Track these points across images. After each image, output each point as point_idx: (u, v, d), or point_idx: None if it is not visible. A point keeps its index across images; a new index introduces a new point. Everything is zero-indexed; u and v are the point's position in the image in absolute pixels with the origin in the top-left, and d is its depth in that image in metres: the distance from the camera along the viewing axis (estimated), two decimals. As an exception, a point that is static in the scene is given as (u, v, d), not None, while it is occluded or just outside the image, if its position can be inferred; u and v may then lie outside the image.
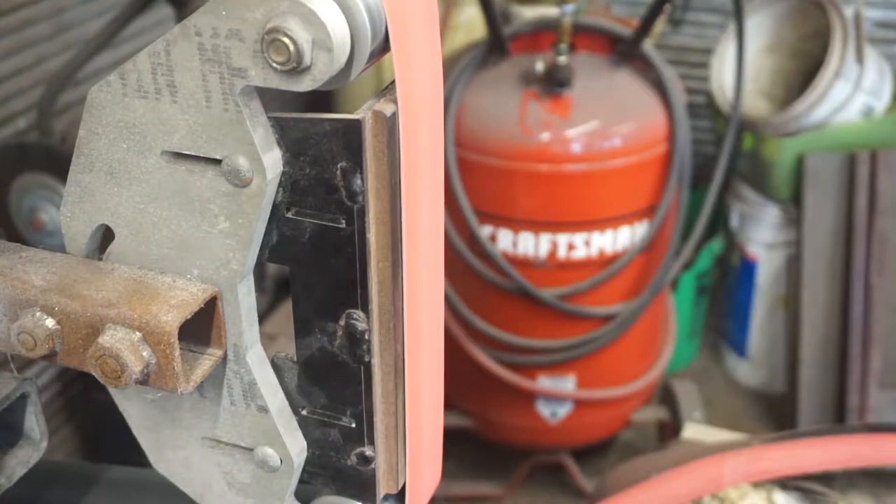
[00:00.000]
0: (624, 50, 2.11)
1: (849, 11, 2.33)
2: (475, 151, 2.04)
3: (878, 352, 2.30)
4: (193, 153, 0.61)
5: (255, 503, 0.73)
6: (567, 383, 2.19)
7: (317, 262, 0.64)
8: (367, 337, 0.66)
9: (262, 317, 0.68)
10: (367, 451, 0.70)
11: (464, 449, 2.38)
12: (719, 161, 2.22)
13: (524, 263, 2.06)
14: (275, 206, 0.63)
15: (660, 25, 2.67)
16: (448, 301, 2.09)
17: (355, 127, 0.60)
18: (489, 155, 2.03)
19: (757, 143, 2.41)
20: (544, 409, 2.23)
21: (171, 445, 0.73)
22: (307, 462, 0.72)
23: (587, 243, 2.05)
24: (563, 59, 1.99)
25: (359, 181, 0.61)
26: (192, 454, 0.73)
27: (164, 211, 0.63)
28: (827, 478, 1.08)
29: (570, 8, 2.00)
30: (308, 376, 0.69)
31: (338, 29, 0.54)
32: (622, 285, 2.13)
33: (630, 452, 2.43)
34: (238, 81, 0.57)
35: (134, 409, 0.73)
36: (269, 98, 0.61)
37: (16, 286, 0.63)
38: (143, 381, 0.61)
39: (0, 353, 0.68)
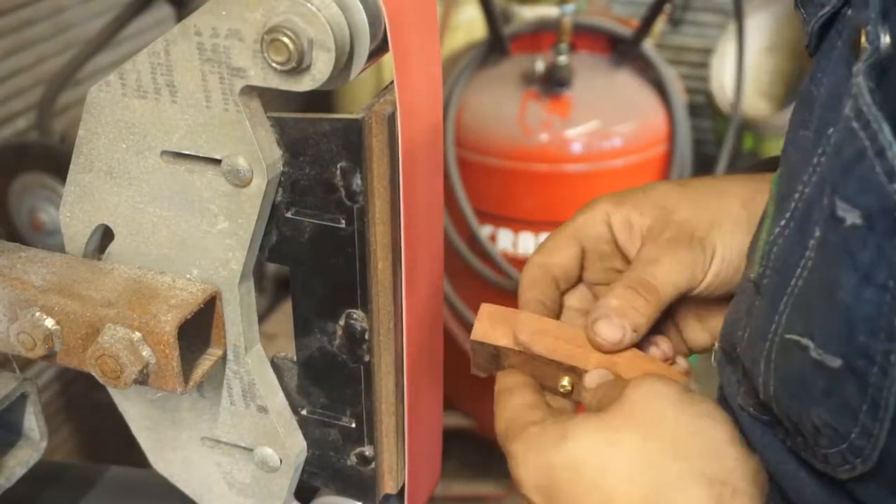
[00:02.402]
0: (624, 50, 2.11)
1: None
2: (475, 151, 2.04)
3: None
4: (193, 153, 0.61)
5: (254, 503, 0.73)
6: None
7: (316, 262, 0.64)
8: (366, 337, 0.66)
9: (262, 317, 0.67)
10: (367, 451, 0.70)
11: (464, 449, 2.38)
12: (719, 161, 2.22)
13: (524, 263, 2.06)
14: (274, 206, 0.63)
15: (660, 25, 2.67)
16: (448, 301, 2.09)
17: (355, 127, 0.59)
18: (489, 155, 2.03)
19: (757, 143, 2.41)
20: (544, 409, 2.23)
21: (170, 445, 0.73)
22: (307, 462, 0.72)
23: (587, 243, 2.05)
24: (563, 59, 1.99)
25: (358, 181, 0.61)
26: (191, 454, 0.73)
27: (164, 211, 0.63)
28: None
29: (570, 8, 2.00)
30: (308, 376, 0.69)
31: (337, 29, 0.54)
32: (622, 285, 2.13)
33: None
34: (238, 81, 0.57)
35: (133, 410, 0.73)
36: (269, 98, 0.61)
37: (15, 286, 0.63)
38: (143, 381, 0.61)
39: (0, 353, 0.68)
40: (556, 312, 0.69)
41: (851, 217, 0.44)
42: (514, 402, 0.61)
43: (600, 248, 0.69)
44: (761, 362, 0.53)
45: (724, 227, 0.65)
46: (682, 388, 0.57)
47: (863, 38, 0.47)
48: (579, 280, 0.71)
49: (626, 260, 0.68)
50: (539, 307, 0.67)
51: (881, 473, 0.47)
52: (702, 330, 0.70)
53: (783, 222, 0.53)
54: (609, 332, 0.62)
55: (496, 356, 0.66)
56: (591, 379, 0.62)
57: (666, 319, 0.69)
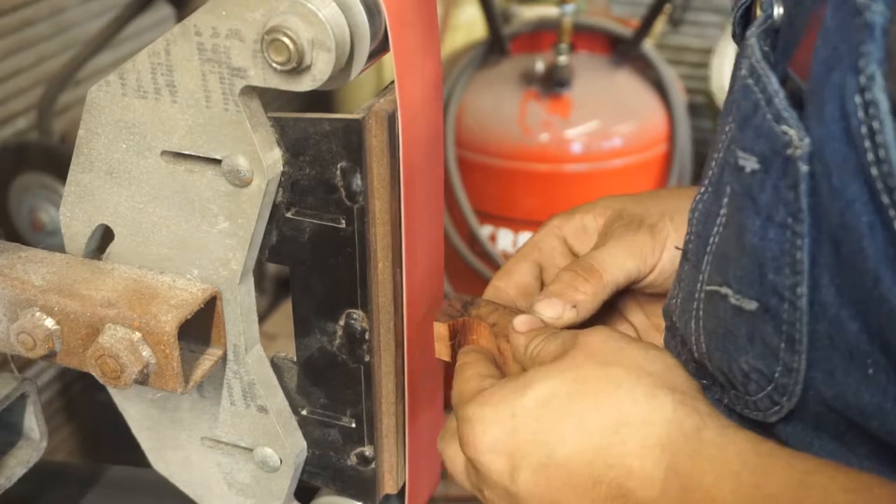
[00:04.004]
0: (624, 50, 2.11)
1: None
2: (475, 151, 2.04)
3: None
4: (193, 153, 0.61)
5: (254, 503, 0.73)
6: (567, 383, 2.18)
7: (316, 262, 0.64)
8: (366, 337, 0.66)
9: (262, 317, 0.68)
10: (367, 451, 0.70)
11: (464, 449, 2.37)
12: (719, 161, 2.21)
13: (524, 263, 2.05)
14: (274, 206, 0.63)
15: (660, 25, 2.67)
16: (448, 301, 2.09)
17: (355, 127, 0.59)
18: (489, 155, 2.03)
19: (757, 143, 2.41)
20: (544, 409, 2.22)
21: (170, 445, 0.73)
22: (307, 462, 0.72)
23: (587, 243, 2.05)
24: (563, 59, 1.99)
25: (358, 181, 0.61)
26: (191, 454, 0.73)
27: (164, 211, 0.63)
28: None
29: (570, 8, 2.00)
30: (308, 376, 0.69)
31: (337, 29, 0.54)
32: (622, 285, 2.13)
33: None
34: (238, 81, 0.57)
35: (134, 410, 0.73)
36: (269, 98, 0.61)
37: (15, 286, 0.63)
38: (143, 381, 0.61)
39: (0, 353, 0.68)
40: None
41: (750, 164, 0.47)
42: (468, 371, 0.62)
43: (555, 260, 0.71)
44: (692, 322, 0.56)
45: (676, 217, 0.67)
46: (628, 335, 0.60)
47: (757, 9, 0.52)
48: None
49: None
50: None
51: (805, 408, 0.49)
52: (659, 334, 0.70)
53: (702, 189, 0.56)
54: (548, 310, 0.64)
55: (468, 304, 0.68)
56: (521, 322, 0.63)
57: (625, 324, 0.72)
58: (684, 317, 0.57)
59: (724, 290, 0.51)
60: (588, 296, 0.65)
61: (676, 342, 0.60)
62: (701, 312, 0.55)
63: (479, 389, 0.58)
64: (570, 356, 0.56)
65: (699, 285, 0.55)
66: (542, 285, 0.71)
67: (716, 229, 0.53)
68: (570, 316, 0.64)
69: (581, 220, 0.71)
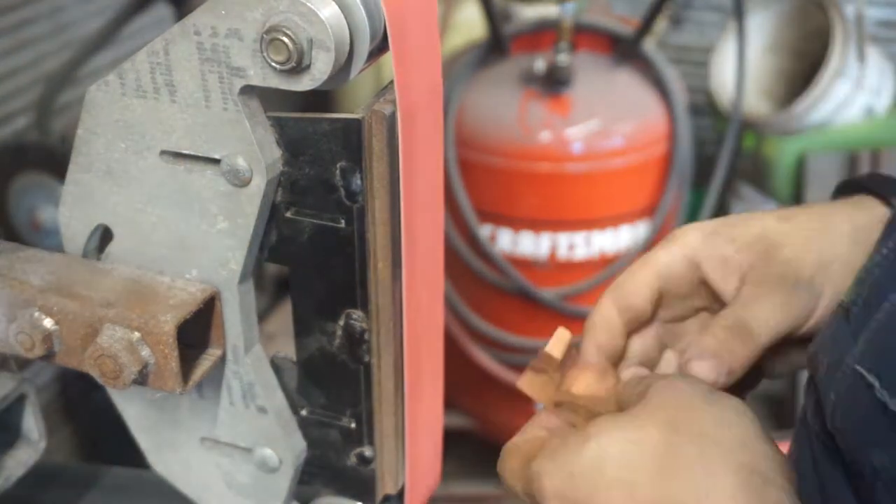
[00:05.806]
0: (624, 49, 2.11)
1: (850, 11, 2.32)
2: (475, 151, 2.04)
3: (878, 351, 2.29)
4: (192, 153, 0.61)
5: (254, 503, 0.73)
6: (567, 383, 2.18)
7: (316, 262, 0.64)
8: (366, 337, 0.65)
9: (262, 316, 0.67)
10: (367, 452, 0.70)
11: (464, 449, 2.38)
12: (720, 160, 2.22)
13: (524, 263, 2.05)
14: (274, 206, 0.63)
15: (660, 24, 2.66)
16: (448, 301, 2.09)
17: (354, 126, 0.59)
18: (489, 154, 2.03)
19: (758, 143, 2.41)
20: (544, 409, 2.22)
21: (169, 446, 0.73)
22: (307, 462, 0.71)
23: (588, 243, 2.05)
24: (563, 59, 1.99)
25: (358, 181, 0.61)
26: (191, 455, 0.73)
27: (163, 211, 0.63)
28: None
29: (570, 7, 2.00)
30: (307, 376, 0.69)
31: (337, 28, 0.54)
32: (622, 285, 2.12)
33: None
34: (237, 81, 0.57)
35: (133, 410, 0.73)
36: (268, 97, 0.61)
37: (14, 286, 0.63)
38: (142, 381, 0.61)
39: (-2, 354, 0.68)
40: (618, 361, 0.66)
41: None
42: (533, 429, 0.59)
43: (681, 289, 0.65)
44: (832, 393, 0.51)
45: (832, 267, 0.61)
46: (709, 387, 0.55)
47: None
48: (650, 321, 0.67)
49: (715, 297, 0.64)
50: (602, 357, 0.65)
51: None
52: (781, 362, 0.66)
53: (884, 250, 0.51)
54: (704, 372, 0.59)
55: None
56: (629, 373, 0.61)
57: None
58: (827, 381, 0.52)
59: (872, 378, 0.46)
60: (743, 361, 0.59)
61: (812, 401, 0.56)
62: (843, 387, 0.50)
63: (548, 441, 0.56)
64: (633, 412, 0.53)
65: (850, 359, 0.50)
66: (654, 312, 0.66)
67: (887, 305, 0.48)
68: (724, 382, 0.59)
69: (723, 252, 0.62)
